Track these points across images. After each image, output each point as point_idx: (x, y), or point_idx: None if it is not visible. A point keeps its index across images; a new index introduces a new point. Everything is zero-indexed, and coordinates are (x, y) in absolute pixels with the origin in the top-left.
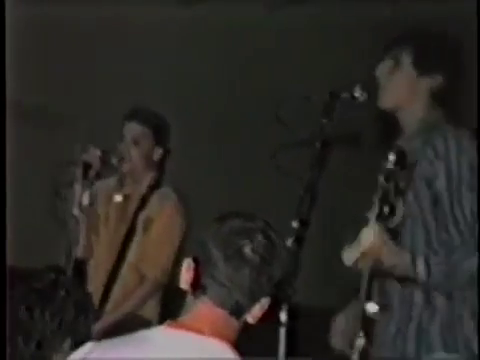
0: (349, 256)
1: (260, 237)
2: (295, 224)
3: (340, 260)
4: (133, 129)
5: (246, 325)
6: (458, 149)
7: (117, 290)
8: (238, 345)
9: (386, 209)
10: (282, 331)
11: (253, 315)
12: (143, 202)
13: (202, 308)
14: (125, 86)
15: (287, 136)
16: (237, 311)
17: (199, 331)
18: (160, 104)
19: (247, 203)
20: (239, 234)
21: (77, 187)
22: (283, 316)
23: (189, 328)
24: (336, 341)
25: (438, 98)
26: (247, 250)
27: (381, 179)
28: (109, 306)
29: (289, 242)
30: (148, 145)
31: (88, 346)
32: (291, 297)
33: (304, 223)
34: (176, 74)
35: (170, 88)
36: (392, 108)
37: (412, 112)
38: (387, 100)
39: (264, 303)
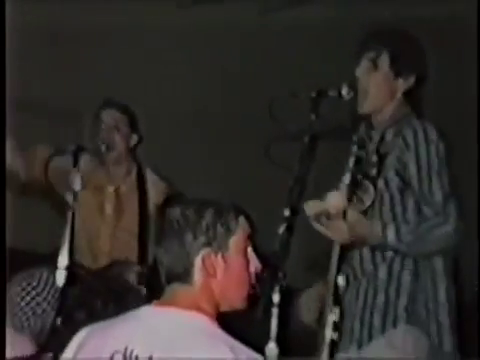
0: (311, 207)
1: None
2: (286, 212)
3: (325, 246)
4: (113, 115)
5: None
6: (426, 140)
7: None
8: None
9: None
10: (274, 311)
11: (203, 275)
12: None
13: (173, 287)
14: (124, 85)
15: (279, 131)
16: (181, 279)
17: (178, 306)
18: (158, 100)
19: (242, 193)
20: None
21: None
22: (276, 297)
23: (171, 304)
24: (303, 315)
25: (408, 97)
26: (166, 226)
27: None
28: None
29: (281, 229)
30: (126, 131)
31: (84, 330)
32: (282, 280)
33: (294, 211)
34: (173, 72)
35: (167, 85)
36: (371, 112)
37: (387, 111)
38: (368, 105)
39: (199, 262)
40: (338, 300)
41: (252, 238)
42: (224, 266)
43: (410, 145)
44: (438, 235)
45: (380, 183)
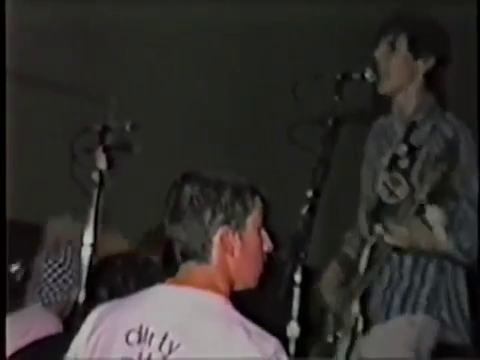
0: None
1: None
2: (309, 194)
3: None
4: None
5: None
6: (466, 138)
7: None
8: None
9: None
10: (296, 291)
11: (220, 253)
12: None
13: (189, 265)
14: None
15: (303, 114)
16: (198, 257)
17: (194, 285)
18: (186, 83)
19: (267, 175)
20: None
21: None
22: (297, 277)
23: (186, 283)
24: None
25: (430, 80)
26: (184, 203)
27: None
28: None
29: (304, 210)
30: None
31: (99, 309)
32: (304, 260)
33: (317, 193)
34: (200, 57)
35: (195, 69)
36: (392, 93)
37: (408, 94)
38: (388, 86)
39: (217, 240)
40: (365, 295)
41: (266, 218)
42: (241, 245)
43: (452, 143)
44: None
45: (414, 177)
